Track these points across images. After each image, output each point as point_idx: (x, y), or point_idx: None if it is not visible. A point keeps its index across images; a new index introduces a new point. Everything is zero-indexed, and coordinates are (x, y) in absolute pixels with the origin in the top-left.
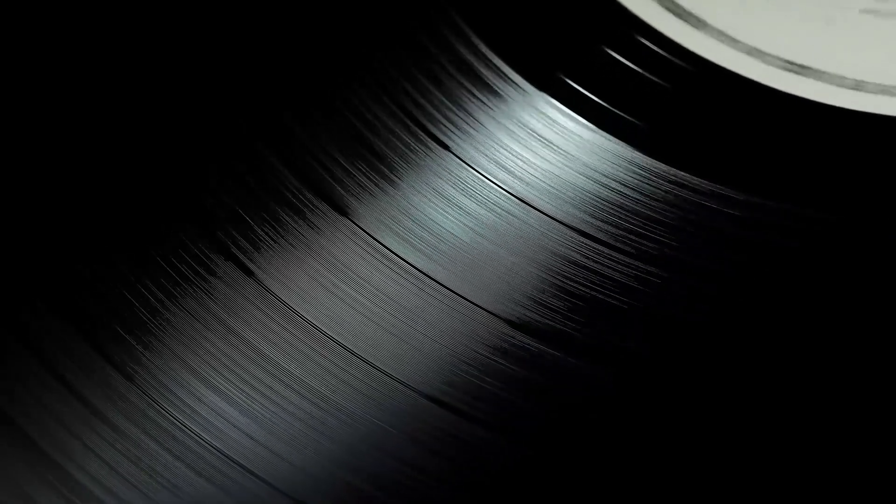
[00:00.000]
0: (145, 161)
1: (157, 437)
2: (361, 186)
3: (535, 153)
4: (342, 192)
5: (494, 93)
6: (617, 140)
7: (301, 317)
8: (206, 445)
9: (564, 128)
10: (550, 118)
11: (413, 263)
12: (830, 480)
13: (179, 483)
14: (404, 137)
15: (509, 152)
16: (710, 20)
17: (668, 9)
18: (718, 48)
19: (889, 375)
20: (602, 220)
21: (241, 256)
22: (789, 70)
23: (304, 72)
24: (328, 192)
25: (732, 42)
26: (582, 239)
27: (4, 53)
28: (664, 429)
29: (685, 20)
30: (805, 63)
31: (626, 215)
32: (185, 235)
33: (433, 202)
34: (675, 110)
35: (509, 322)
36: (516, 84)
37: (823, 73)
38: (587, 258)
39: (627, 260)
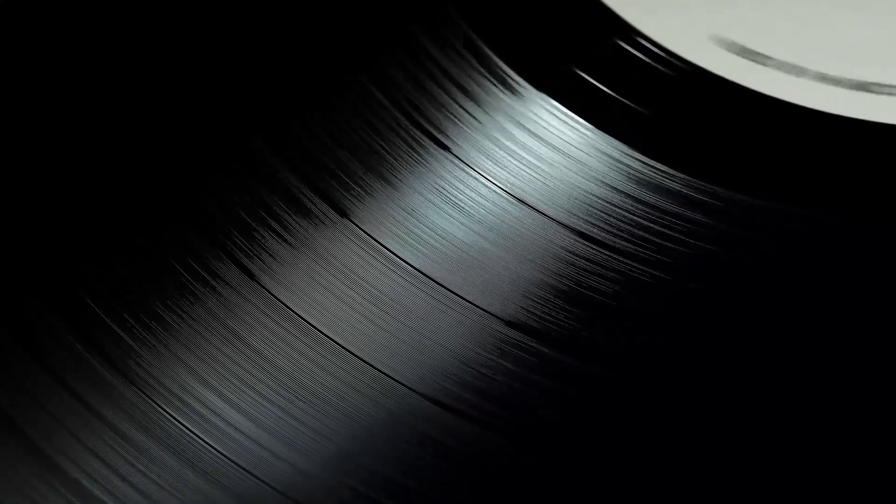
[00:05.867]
0: (145, 161)
1: (158, 437)
2: (362, 188)
3: (534, 154)
4: (343, 193)
5: (494, 93)
6: (615, 141)
7: (301, 318)
8: (206, 446)
9: (564, 128)
10: (550, 119)
11: (414, 265)
12: (830, 480)
13: (179, 483)
14: (404, 138)
15: (509, 153)
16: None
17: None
18: (719, 55)
19: (888, 376)
20: (601, 221)
21: (241, 258)
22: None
23: (304, 72)
24: (329, 193)
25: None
26: (581, 240)
27: (4, 53)
28: (664, 429)
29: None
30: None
31: (626, 215)
32: (185, 236)
33: (434, 203)
34: (674, 109)
35: (508, 322)
36: (516, 85)
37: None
38: (586, 259)
39: (626, 261)
